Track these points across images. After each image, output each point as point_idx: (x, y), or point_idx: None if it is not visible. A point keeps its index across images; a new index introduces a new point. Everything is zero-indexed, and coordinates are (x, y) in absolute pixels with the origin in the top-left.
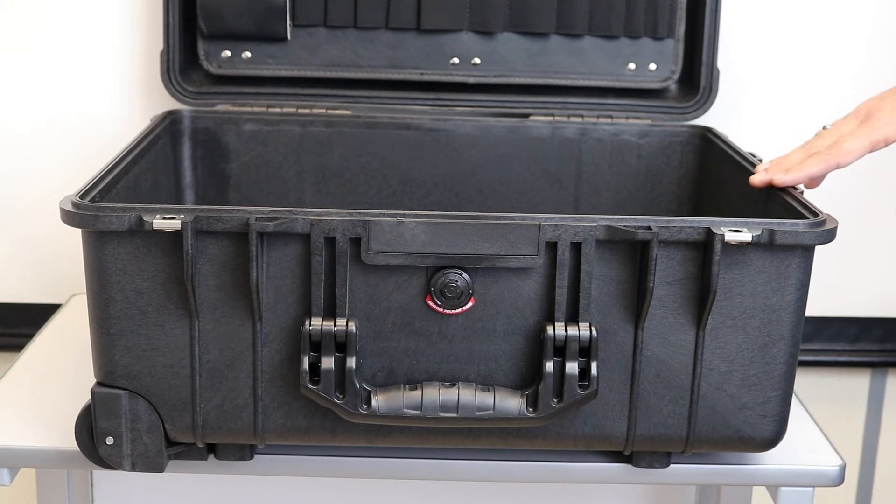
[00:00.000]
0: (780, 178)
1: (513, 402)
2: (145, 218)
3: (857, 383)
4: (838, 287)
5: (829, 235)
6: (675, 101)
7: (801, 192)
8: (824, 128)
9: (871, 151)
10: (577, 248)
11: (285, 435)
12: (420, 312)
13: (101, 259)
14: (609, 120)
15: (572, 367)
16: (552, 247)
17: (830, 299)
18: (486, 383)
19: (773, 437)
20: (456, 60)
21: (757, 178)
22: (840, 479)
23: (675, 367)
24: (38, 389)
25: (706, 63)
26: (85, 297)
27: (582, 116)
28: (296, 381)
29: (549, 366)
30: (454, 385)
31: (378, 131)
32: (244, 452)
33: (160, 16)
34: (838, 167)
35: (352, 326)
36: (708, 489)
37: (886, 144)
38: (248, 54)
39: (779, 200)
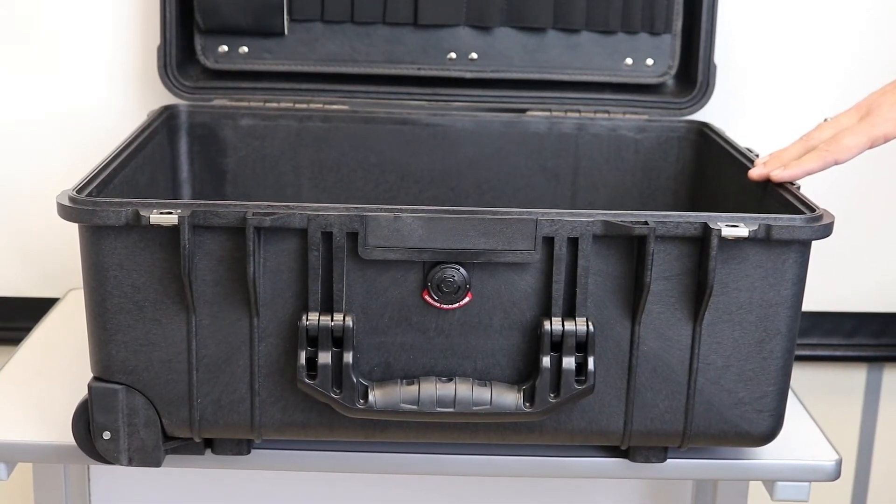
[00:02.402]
0: (778, 174)
1: (510, 397)
2: (142, 213)
3: (853, 378)
4: (835, 282)
5: (826, 230)
6: (672, 97)
7: (798, 188)
8: (826, 120)
9: (870, 148)
10: (573, 243)
11: (282, 430)
12: (417, 307)
13: (98, 254)
14: (606, 115)
15: (569, 361)
16: (549, 242)
17: (827, 294)
18: (483, 378)
19: (769, 432)
20: (453, 55)
21: (755, 172)
22: (836, 474)
23: (671, 362)
24: (35, 384)
25: (703, 58)
26: (82, 291)
27: (579, 111)
28: (293, 376)
29: (546, 361)
30: (451, 380)
31: (375, 126)
32: (241, 447)
33: (157, 11)
34: (836, 164)
35: (349, 321)
36: (704, 484)
37: (886, 140)
38: (245, 49)
39: (775, 195)
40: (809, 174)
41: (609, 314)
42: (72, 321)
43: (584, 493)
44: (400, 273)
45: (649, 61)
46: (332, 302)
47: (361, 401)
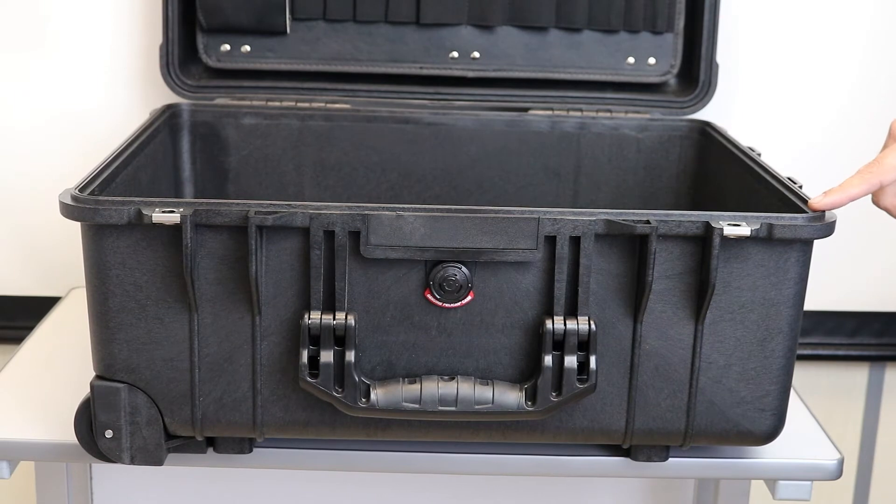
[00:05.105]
0: (818, 202)
1: (512, 396)
2: (144, 211)
3: (855, 377)
4: (837, 281)
5: (828, 229)
6: (674, 96)
7: (801, 186)
8: None
9: None
10: (575, 241)
11: (284, 428)
12: (419, 306)
13: (101, 252)
14: (608, 114)
15: (571, 360)
16: (551, 240)
17: (829, 293)
18: (485, 377)
19: (771, 431)
20: (455, 54)
21: (812, 202)
22: (838, 473)
23: (673, 360)
24: (38, 383)
25: (705, 57)
26: (84, 290)
27: (581, 110)
28: (295, 375)
29: (548, 359)
30: (453, 379)
31: (377, 125)
32: (243, 446)
33: (159, 9)
34: (882, 185)
35: (351, 320)
36: (706, 482)
37: None
38: (247, 48)
39: (777, 194)
40: (854, 199)
41: (611, 313)
42: (74, 320)
43: (586, 492)
44: (402, 272)
45: (651, 60)
46: (333, 301)
47: (363, 399)
